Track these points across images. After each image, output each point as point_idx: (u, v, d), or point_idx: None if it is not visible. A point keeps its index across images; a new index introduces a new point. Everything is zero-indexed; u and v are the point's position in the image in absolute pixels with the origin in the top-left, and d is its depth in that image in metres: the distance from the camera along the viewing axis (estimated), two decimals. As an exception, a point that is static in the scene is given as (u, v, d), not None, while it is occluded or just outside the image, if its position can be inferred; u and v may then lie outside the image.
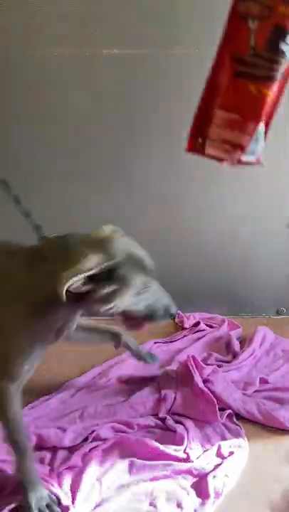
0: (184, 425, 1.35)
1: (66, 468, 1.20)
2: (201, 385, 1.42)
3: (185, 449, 1.27)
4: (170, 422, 1.36)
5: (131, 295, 1.02)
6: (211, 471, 1.20)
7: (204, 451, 1.28)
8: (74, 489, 1.14)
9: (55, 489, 1.14)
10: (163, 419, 1.38)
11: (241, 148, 1.10)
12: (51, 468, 1.21)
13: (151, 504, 1.12)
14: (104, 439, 1.28)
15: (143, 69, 1.64)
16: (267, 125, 1.12)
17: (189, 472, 1.20)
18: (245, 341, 1.75)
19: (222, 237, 1.88)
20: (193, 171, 1.80)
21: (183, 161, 1.77)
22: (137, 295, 1.04)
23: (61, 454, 1.25)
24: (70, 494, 1.13)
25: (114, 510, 1.10)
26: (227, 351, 1.72)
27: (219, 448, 1.28)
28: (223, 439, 1.32)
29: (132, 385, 1.54)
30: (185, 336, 1.81)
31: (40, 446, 1.27)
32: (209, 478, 1.17)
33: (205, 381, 1.45)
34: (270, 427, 1.37)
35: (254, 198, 1.86)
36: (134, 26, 1.59)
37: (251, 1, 0.99)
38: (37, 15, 1.57)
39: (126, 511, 1.11)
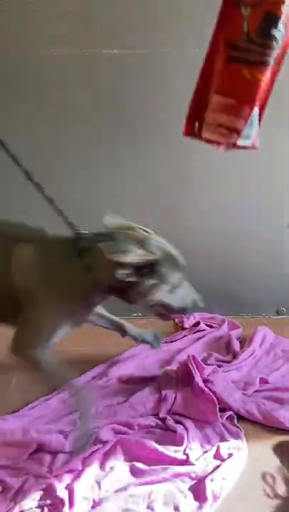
0: (183, 425, 1.35)
1: (65, 471, 1.20)
2: (201, 384, 1.42)
3: (185, 450, 1.27)
4: (170, 422, 1.36)
5: (167, 290, 1.18)
6: (209, 473, 1.19)
7: (204, 452, 1.28)
8: (71, 489, 1.14)
9: (55, 483, 1.14)
10: (163, 419, 1.38)
11: (237, 132, 1.13)
12: (49, 470, 1.21)
13: (148, 507, 1.11)
14: (105, 442, 1.28)
15: (143, 69, 1.64)
16: (261, 110, 1.15)
17: (187, 475, 1.20)
18: (245, 341, 1.75)
19: (222, 237, 1.88)
20: (193, 171, 1.80)
21: (183, 160, 1.79)
22: (172, 290, 1.20)
23: (61, 457, 1.25)
24: (67, 493, 1.13)
25: (111, 511, 1.10)
26: (227, 351, 1.72)
27: (218, 449, 1.28)
28: (223, 440, 1.32)
29: (132, 385, 1.54)
30: (185, 335, 1.81)
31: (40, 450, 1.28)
32: (207, 481, 1.17)
33: (205, 381, 1.45)
34: (269, 428, 1.37)
35: (254, 198, 1.86)
36: (134, 26, 1.59)
37: None
38: (37, 15, 1.57)
39: (123, 513, 1.11)
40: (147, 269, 1.14)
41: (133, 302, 1.23)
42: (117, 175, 1.77)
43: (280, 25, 1.03)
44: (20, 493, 1.14)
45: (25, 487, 1.15)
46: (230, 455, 1.26)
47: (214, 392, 1.41)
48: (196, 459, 1.25)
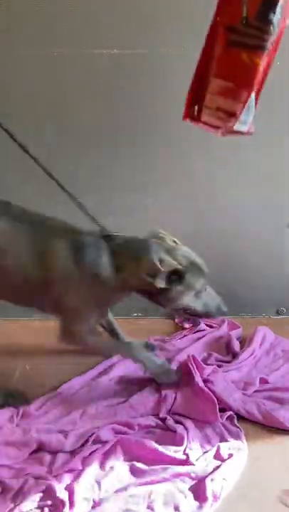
0: (183, 425, 1.35)
1: (65, 471, 1.20)
2: (201, 384, 1.42)
3: (185, 450, 1.27)
4: (170, 422, 1.36)
5: (192, 295, 1.33)
6: (209, 474, 1.19)
7: (204, 452, 1.28)
8: (72, 489, 1.14)
9: (54, 484, 1.14)
10: (163, 420, 1.38)
11: (235, 116, 1.14)
12: (49, 470, 1.21)
13: (148, 507, 1.11)
14: (105, 442, 1.28)
15: (143, 69, 1.64)
16: (257, 96, 1.16)
17: (188, 475, 1.20)
18: (245, 341, 1.75)
19: (222, 237, 1.88)
20: (193, 171, 1.80)
21: (183, 160, 1.79)
22: (197, 295, 1.34)
23: (61, 457, 1.25)
24: (67, 494, 1.13)
25: (111, 511, 1.10)
26: (227, 351, 1.72)
27: (218, 449, 1.28)
28: (223, 440, 1.32)
29: (132, 385, 1.54)
30: (185, 335, 1.81)
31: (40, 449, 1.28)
32: (207, 481, 1.16)
33: (205, 381, 1.45)
34: (269, 428, 1.37)
35: (254, 198, 1.86)
36: (134, 26, 1.59)
37: None
38: (37, 15, 1.57)
39: (123, 513, 1.11)
40: (175, 276, 1.28)
41: (161, 305, 1.37)
42: (116, 175, 1.77)
43: (278, 10, 1.04)
44: (19, 495, 1.14)
45: (24, 488, 1.15)
46: (230, 455, 1.26)
47: (214, 392, 1.41)
48: (196, 459, 1.25)
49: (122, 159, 1.76)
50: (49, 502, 1.12)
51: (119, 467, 1.22)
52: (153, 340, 1.77)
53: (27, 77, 1.64)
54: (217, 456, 1.26)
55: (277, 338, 1.77)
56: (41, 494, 1.13)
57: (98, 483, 1.18)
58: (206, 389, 1.41)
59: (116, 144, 1.74)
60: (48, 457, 1.25)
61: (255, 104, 1.17)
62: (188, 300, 1.34)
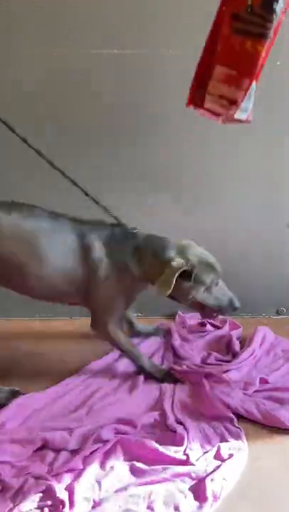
0: (184, 425, 1.35)
1: (66, 471, 1.20)
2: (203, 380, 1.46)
3: (185, 450, 1.27)
4: (171, 421, 1.36)
5: (203, 290, 1.45)
6: (210, 474, 1.19)
7: (204, 452, 1.28)
8: (72, 489, 1.14)
9: (54, 484, 1.14)
10: (165, 418, 1.38)
11: (236, 104, 1.17)
12: (50, 469, 1.21)
13: (148, 507, 1.11)
14: (106, 441, 1.28)
15: (143, 69, 1.64)
16: (256, 83, 1.18)
17: (188, 475, 1.19)
18: (245, 341, 1.75)
19: (222, 237, 1.88)
20: (193, 171, 1.80)
21: (183, 160, 1.79)
22: (208, 290, 1.46)
23: (63, 456, 1.25)
24: (67, 494, 1.13)
25: (111, 511, 1.10)
26: (227, 351, 1.73)
27: (219, 449, 1.27)
28: (223, 440, 1.31)
29: (134, 380, 1.56)
30: (192, 331, 1.85)
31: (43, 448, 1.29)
32: (207, 481, 1.16)
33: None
34: (269, 428, 1.37)
35: (254, 198, 1.86)
36: (134, 26, 1.60)
37: None
38: (37, 15, 1.57)
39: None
40: (186, 272, 1.39)
41: (175, 300, 1.48)
42: (116, 174, 1.77)
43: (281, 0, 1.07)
44: (19, 494, 1.13)
45: (24, 488, 1.15)
46: (230, 455, 1.25)
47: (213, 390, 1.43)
48: (196, 459, 1.24)
49: (122, 159, 1.76)
50: (49, 502, 1.11)
51: (119, 467, 1.22)
52: (160, 324, 1.86)
53: (27, 77, 1.65)
54: (217, 456, 1.26)
55: (277, 338, 1.77)
56: (41, 494, 1.13)
57: (98, 482, 1.17)
58: (206, 384, 1.44)
59: (116, 144, 1.74)
60: (50, 455, 1.25)
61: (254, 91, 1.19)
62: (200, 295, 1.45)
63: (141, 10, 1.58)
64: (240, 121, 1.21)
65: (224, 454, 1.26)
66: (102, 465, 1.23)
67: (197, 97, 1.22)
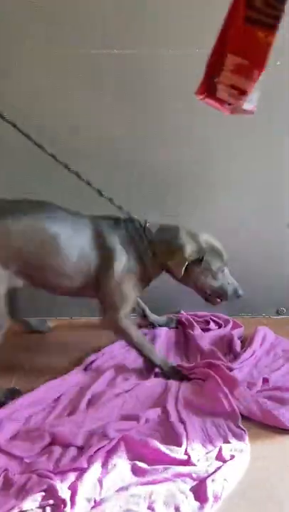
0: (186, 425, 1.35)
1: (70, 469, 1.20)
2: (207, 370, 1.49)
3: (186, 450, 1.27)
4: (174, 419, 1.36)
5: (210, 276, 1.53)
6: (211, 474, 1.19)
7: (206, 452, 1.27)
8: (74, 488, 1.15)
9: (57, 483, 1.15)
10: (167, 415, 1.38)
11: (246, 94, 1.16)
12: (56, 466, 1.22)
13: (149, 507, 1.11)
14: (111, 439, 1.28)
15: (143, 69, 1.64)
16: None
17: (189, 475, 1.19)
18: (246, 341, 1.76)
19: (222, 237, 1.87)
20: (193, 171, 1.80)
21: (183, 160, 1.79)
22: (215, 276, 1.53)
23: (70, 453, 1.26)
24: (69, 492, 1.14)
25: (111, 511, 1.10)
26: (229, 350, 1.73)
27: (220, 450, 1.27)
28: (226, 441, 1.31)
29: (140, 373, 1.59)
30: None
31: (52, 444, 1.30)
32: (208, 481, 1.16)
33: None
34: (270, 428, 1.37)
35: (254, 197, 1.86)
36: (134, 26, 1.60)
37: None
38: (38, 15, 1.57)
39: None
40: (196, 258, 1.49)
41: (184, 283, 1.56)
42: (115, 174, 1.77)
43: None
44: (22, 492, 1.14)
45: (27, 486, 1.15)
46: (232, 456, 1.25)
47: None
48: (198, 460, 1.24)
49: (122, 159, 1.76)
50: (51, 501, 1.12)
51: (121, 465, 1.22)
52: (172, 315, 1.91)
53: (27, 77, 1.65)
54: (219, 457, 1.26)
55: (277, 338, 1.77)
56: (43, 493, 1.14)
57: (100, 481, 1.17)
58: (214, 382, 1.46)
59: (116, 144, 1.73)
60: (57, 451, 1.26)
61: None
62: (207, 280, 1.54)
63: (141, 10, 1.58)
64: (246, 112, 1.21)
65: (226, 454, 1.26)
66: (105, 463, 1.23)
67: (209, 86, 1.21)
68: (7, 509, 1.09)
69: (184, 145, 1.76)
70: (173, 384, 1.51)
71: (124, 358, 1.67)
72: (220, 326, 1.89)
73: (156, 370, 1.60)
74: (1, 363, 1.56)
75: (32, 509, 1.10)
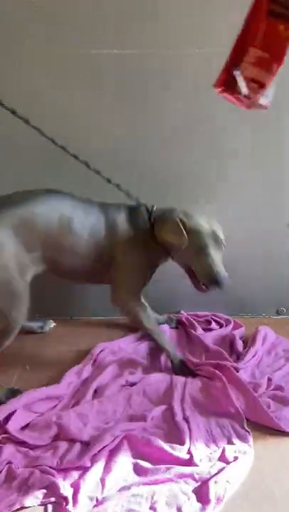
0: (189, 424, 1.35)
1: (73, 467, 1.20)
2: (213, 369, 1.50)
3: (189, 449, 1.27)
4: (178, 418, 1.36)
5: (195, 252, 1.52)
6: (213, 475, 1.18)
7: (209, 452, 1.27)
8: (77, 486, 1.15)
9: (59, 481, 1.15)
10: (172, 413, 1.38)
11: (264, 88, 1.16)
12: (60, 462, 1.22)
13: (151, 508, 1.11)
14: (115, 437, 1.28)
15: (143, 69, 1.64)
16: None
17: (191, 476, 1.19)
18: (247, 341, 1.76)
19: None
20: (193, 171, 1.80)
21: (183, 160, 1.79)
22: (199, 254, 1.51)
23: (75, 449, 1.26)
24: (71, 490, 1.14)
25: (113, 510, 1.10)
26: (231, 351, 1.73)
27: (224, 451, 1.26)
28: (230, 442, 1.30)
29: (145, 369, 1.60)
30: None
31: (58, 437, 1.31)
32: (211, 483, 1.15)
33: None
34: (265, 428, 1.36)
35: (254, 197, 1.86)
36: (134, 26, 1.59)
37: None
38: (37, 15, 1.57)
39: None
40: (189, 237, 1.51)
41: (178, 261, 1.61)
42: (115, 174, 1.77)
43: None
44: (23, 487, 1.14)
45: (29, 481, 1.16)
46: (235, 458, 1.24)
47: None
48: (200, 460, 1.24)
49: (121, 159, 1.76)
50: (52, 499, 1.12)
51: (124, 464, 1.22)
52: (173, 315, 1.93)
53: (27, 77, 1.64)
54: (222, 458, 1.25)
55: (278, 337, 1.77)
56: (45, 490, 1.14)
57: (102, 480, 1.17)
58: (217, 372, 1.48)
59: (116, 144, 1.73)
60: (63, 447, 1.27)
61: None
62: (190, 255, 1.53)
63: (141, 10, 1.58)
64: (260, 106, 1.21)
65: (229, 456, 1.25)
66: (108, 463, 1.22)
67: (228, 79, 1.20)
68: (9, 504, 1.10)
69: (184, 145, 1.76)
70: (178, 380, 1.51)
71: (131, 352, 1.68)
72: (221, 326, 1.89)
73: (162, 364, 1.62)
74: (1, 362, 1.57)
75: (34, 506, 1.11)
